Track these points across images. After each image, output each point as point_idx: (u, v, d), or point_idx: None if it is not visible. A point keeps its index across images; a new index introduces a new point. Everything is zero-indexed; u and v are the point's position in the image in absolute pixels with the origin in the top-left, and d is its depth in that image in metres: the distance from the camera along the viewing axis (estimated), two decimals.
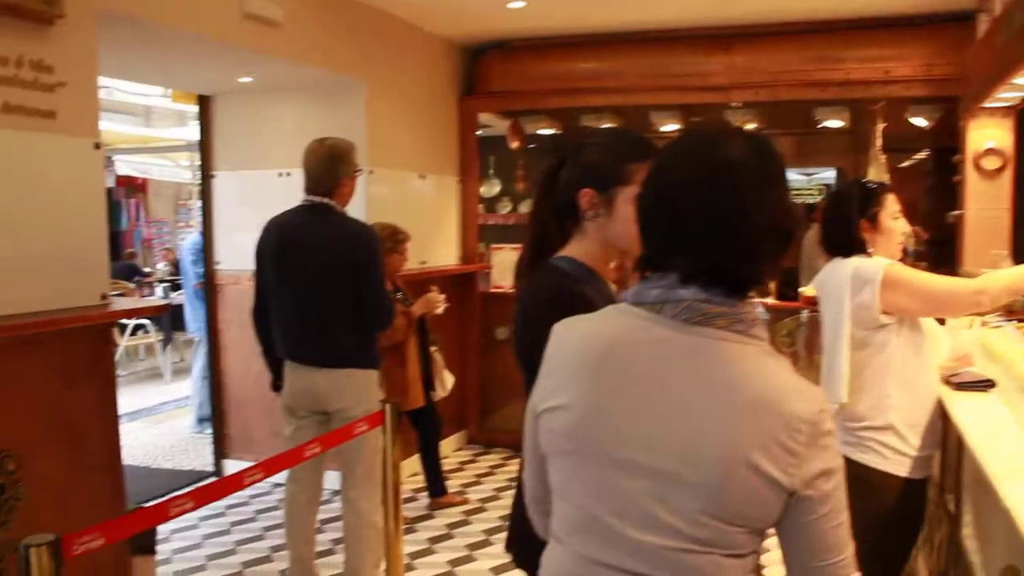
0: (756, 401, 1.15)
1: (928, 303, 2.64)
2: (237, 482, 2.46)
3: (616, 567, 1.21)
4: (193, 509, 2.30)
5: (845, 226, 2.77)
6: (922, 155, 7.01)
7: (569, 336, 1.35)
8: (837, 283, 2.73)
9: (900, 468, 2.63)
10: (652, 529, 1.18)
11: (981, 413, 2.52)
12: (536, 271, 1.84)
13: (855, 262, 2.70)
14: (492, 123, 6.78)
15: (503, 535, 4.52)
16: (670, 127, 6.18)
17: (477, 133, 6.41)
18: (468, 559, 4.23)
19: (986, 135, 4.58)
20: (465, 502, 5.02)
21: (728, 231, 1.19)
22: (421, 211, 5.66)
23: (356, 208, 3.73)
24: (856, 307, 2.67)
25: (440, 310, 4.70)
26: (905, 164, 7.06)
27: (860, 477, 2.66)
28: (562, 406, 1.28)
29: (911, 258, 5.87)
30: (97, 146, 3.24)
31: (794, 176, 8.62)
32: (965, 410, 2.53)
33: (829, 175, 8.85)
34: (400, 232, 4.55)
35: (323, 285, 3.42)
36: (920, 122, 5.48)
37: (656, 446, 1.19)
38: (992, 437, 2.28)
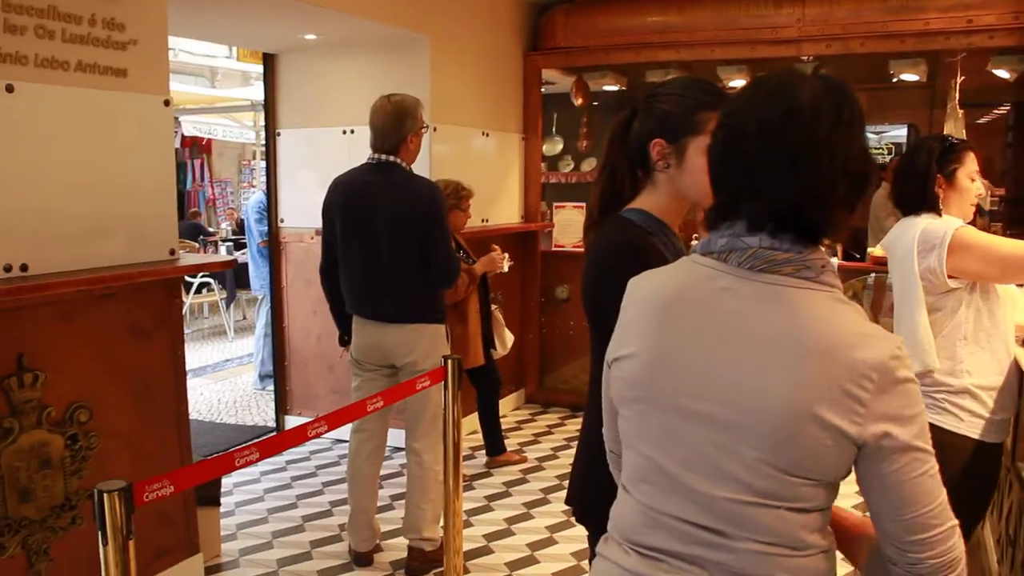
0: (820, 348, 1.13)
1: (999, 268, 2.54)
2: (302, 434, 2.48)
3: (681, 518, 1.21)
4: (258, 460, 2.32)
5: (920, 180, 2.69)
6: (1003, 110, 6.73)
7: (641, 288, 1.35)
8: (906, 245, 2.65)
9: (974, 430, 2.56)
10: (715, 480, 1.18)
11: None
12: (606, 223, 1.82)
13: (923, 223, 2.62)
14: (556, 80, 6.70)
15: (561, 493, 4.56)
16: (737, 82, 6.02)
17: (541, 90, 6.33)
18: (526, 516, 4.24)
19: None
20: (524, 460, 5.03)
21: (799, 173, 1.16)
22: (484, 169, 5.63)
23: (420, 165, 3.72)
24: (924, 271, 2.60)
25: (505, 268, 4.68)
26: (984, 120, 6.80)
27: (934, 439, 2.61)
28: (629, 355, 1.30)
29: (985, 217, 5.70)
30: (167, 103, 3.28)
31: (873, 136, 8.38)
32: None
33: (900, 133, 8.59)
34: (463, 189, 4.53)
35: (389, 242, 3.42)
36: (1003, 74, 5.24)
37: (718, 395, 1.18)
38: None
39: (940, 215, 2.66)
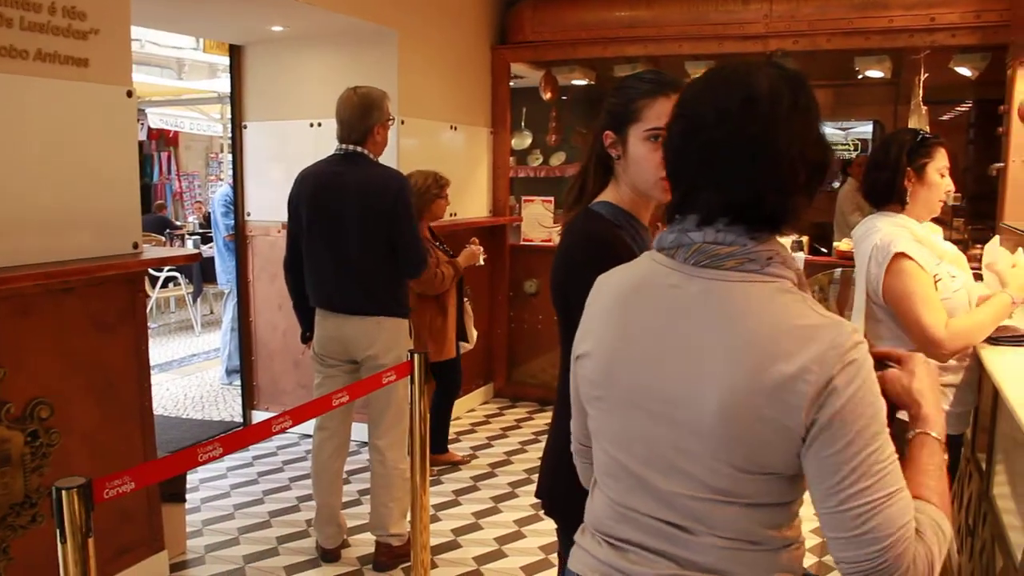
0: (759, 341, 1.12)
1: (902, 317, 2.56)
2: (265, 429, 2.46)
3: (646, 514, 1.23)
4: (221, 456, 2.29)
5: (890, 173, 2.71)
6: (964, 107, 6.82)
7: (603, 285, 1.36)
8: (865, 251, 2.69)
9: None
10: (674, 478, 1.19)
11: (1017, 368, 2.47)
12: (575, 217, 1.86)
13: (884, 231, 2.64)
14: (525, 74, 6.68)
15: (529, 488, 4.54)
16: None
17: (509, 84, 6.32)
18: (493, 511, 4.24)
19: None
20: (466, 462, 4.96)
21: (758, 161, 1.16)
22: (452, 162, 5.61)
23: (387, 158, 3.71)
24: (867, 279, 2.67)
25: (481, 262, 4.71)
26: (946, 117, 6.88)
27: (893, 432, 2.66)
28: (588, 353, 1.31)
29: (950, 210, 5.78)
30: (129, 94, 3.23)
31: (829, 130, 8.43)
32: (1001, 365, 2.47)
33: (865, 129, 8.67)
34: (443, 177, 4.57)
35: (356, 233, 3.41)
36: (965, 72, 5.30)
37: (668, 394, 1.18)
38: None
39: (903, 209, 2.70)
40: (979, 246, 4.80)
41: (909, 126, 5.30)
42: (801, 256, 5.31)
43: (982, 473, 2.78)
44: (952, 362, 2.62)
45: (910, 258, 2.54)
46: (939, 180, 2.70)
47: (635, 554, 1.24)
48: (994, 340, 2.67)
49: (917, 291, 2.53)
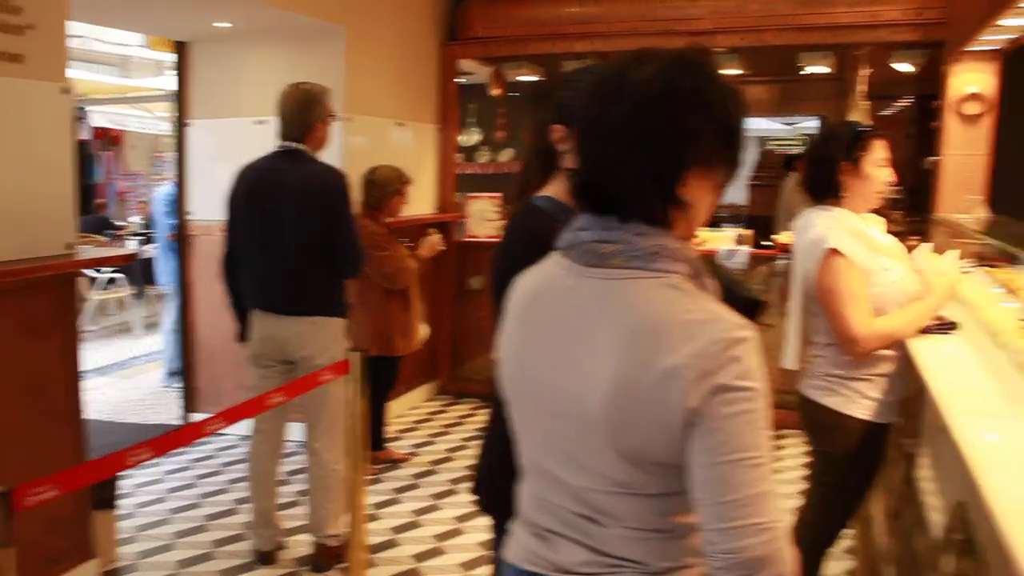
0: (640, 335, 1.12)
1: (827, 311, 2.60)
2: (197, 431, 2.42)
3: (561, 507, 1.25)
4: (151, 459, 2.24)
5: (826, 167, 2.72)
6: (906, 102, 6.94)
7: (517, 286, 1.36)
8: (804, 244, 2.70)
9: (867, 412, 2.64)
10: (580, 473, 1.21)
11: (943, 356, 2.51)
12: (516, 211, 1.86)
13: (820, 226, 2.65)
14: (474, 70, 6.66)
15: (470, 484, 4.53)
16: None
17: (458, 81, 6.29)
18: (433, 508, 4.22)
19: (969, 80, 4.52)
20: (406, 459, 4.91)
21: (635, 151, 1.14)
22: (398, 159, 5.52)
23: (332, 156, 3.66)
24: (804, 274, 2.68)
25: (443, 247, 4.82)
26: (888, 111, 7.00)
27: (826, 421, 2.70)
28: (500, 356, 1.34)
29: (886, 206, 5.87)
30: (65, 91, 3.15)
31: (776, 125, 8.58)
32: (927, 353, 2.51)
33: (812, 124, 8.80)
34: (407, 175, 4.62)
35: (292, 231, 3.35)
36: (905, 68, 5.39)
37: (566, 393, 1.20)
38: (951, 379, 2.28)
39: (841, 202, 2.71)
40: (916, 238, 4.89)
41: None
42: (745, 249, 5.35)
43: (908, 459, 2.83)
44: (887, 352, 2.65)
45: (843, 255, 2.56)
46: (875, 172, 2.70)
47: (556, 542, 1.26)
48: (923, 329, 2.70)
49: (844, 288, 2.55)
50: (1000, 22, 3.51)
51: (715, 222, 6.96)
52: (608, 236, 1.18)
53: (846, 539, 3.75)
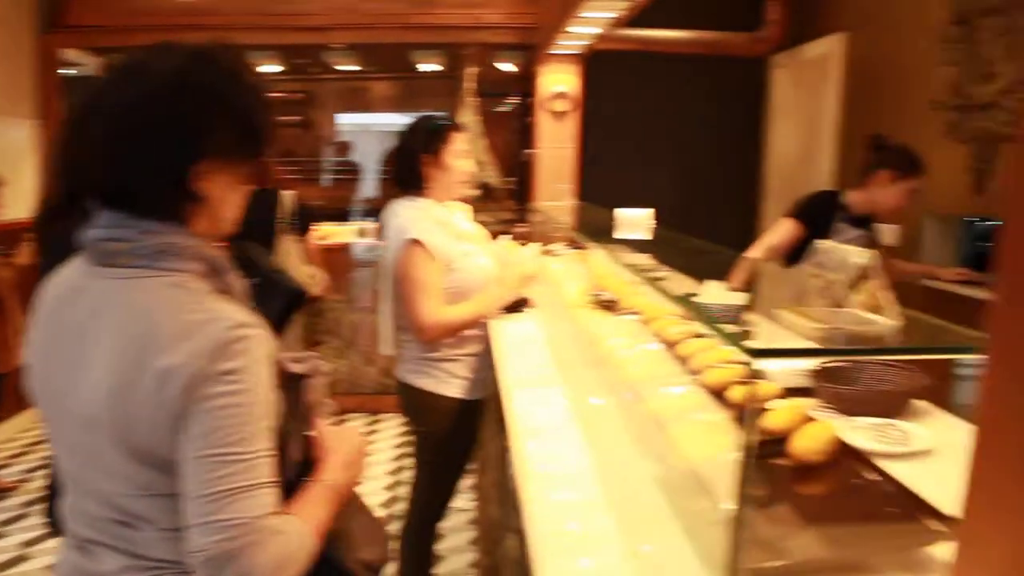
0: (141, 335, 1.12)
1: (404, 297, 2.73)
2: None
3: (96, 515, 1.22)
4: None
5: (408, 160, 2.82)
6: (513, 100, 7.47)
7: (44, 290, 1.29)
8: (388, 234, 2.79)
9: (458, 391, 2.81)
10: (105, 478, 1.19)
11: (514, 331, 2.76)
12: None
13: (403, 216, 2.76)
14: (85, 61, 6.14)
15: (43, 506, 4.18)
16: (271, 68, 6.01)
17: (65, 72, 5.78)
18: (47, 537, 3.89)
19: (556, 80, 4.97)
20: (14, 488, 4.49)
21: (123, 142, 1.14)
22: None
23: None
24: (391, 261, 2.78)
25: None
26: (501, 109, 7.49)
27: (421, 403, 2.84)
28: (27, 364, 1.27)
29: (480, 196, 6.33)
30: None
31: (408, 120, 8.80)
32: (501, 332, 2.78)
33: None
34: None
35: None
36: (507, 67, 5.81)
37: (83, 398, 1.17)
38: (518, 352, 2.53)
39: (423, 194, 2.84)
40: (522, 225, 5.32)
41: (460, 118, 5.70)
42: (368, 241, 5.48)
43: (502, 429, 3.08)
44: (473, 333, 2.84)
45: (422, 245, 2.69)
46: (456, 164, 2.83)
47: (96, 552, 1.23)
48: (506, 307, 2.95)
49: (419, 277, 2.68)
50: (571, 29, 3.89)
51: (344, 215, 7.06)
52: (118, 234, 1.16)
53: (470, 511, 4.01)
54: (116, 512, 1.20)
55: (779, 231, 3.24)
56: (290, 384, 1.30)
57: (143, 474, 1.16)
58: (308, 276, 4.53)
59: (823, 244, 1.44)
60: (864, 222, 3.26)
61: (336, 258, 5.45)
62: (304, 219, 4.56)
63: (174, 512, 1.16)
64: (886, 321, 1.24)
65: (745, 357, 1.05)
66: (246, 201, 1.29)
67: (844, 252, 1.38)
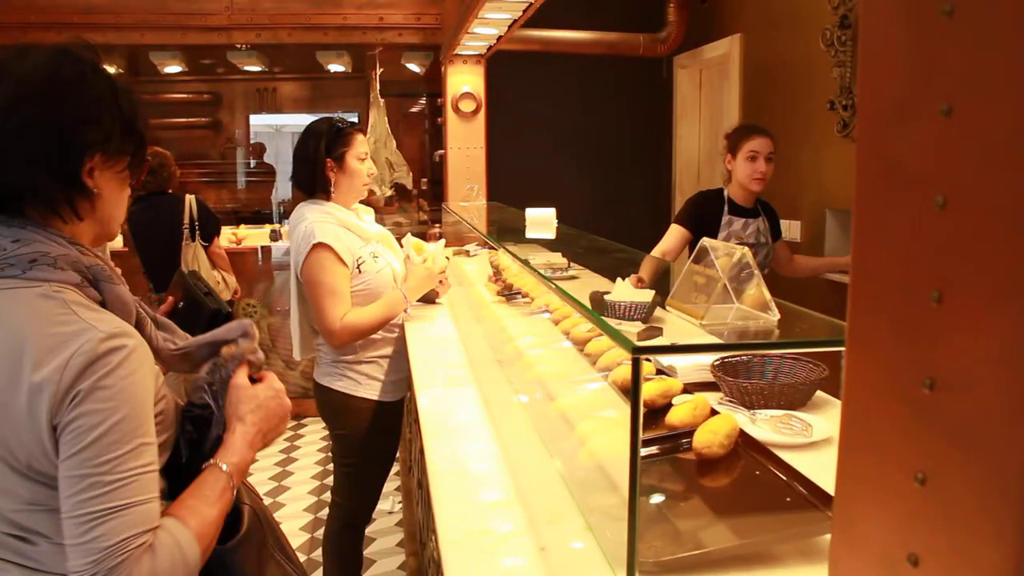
0: (12, 348, 1.10)
1: (311, 302, 2.73)
2: None
3: None
4: None
5: (311, 164, 2.79)
6: (423, 101, 7.47)
7: None
8: (296, 237, 2.76)
9: (375, 393, 2.81)
10: None
11: (427, 331, 2.78)
12: None
13: (309, 220, 2.73)
14: None
15: None
16: (173, 68, 5.87)
17: None
18: None
19: (462, 80, 4.98)
20: None
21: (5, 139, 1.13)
22: None
23: None
24: (295, 265, 2.77)
25: None
26: (414, 109, 7.48)
27: (339, 405, 2.83)
28: None
29: (401, 196, 6.33)
30: None
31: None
32: (414, 330, 2.81)
33: (353, 120, 9.08)
34: None
35: None
36: (415, 68, 5.80)
37: None
38: (430, 352, 2.54)
39: (329, 198, 2.82)
40: (437, 225, 5.32)
41: (370, 118, 5.67)
42: (283, 243, 5.43)
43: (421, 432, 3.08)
44: (381, 335, 2.83)
45: (330, 249, 2.68)
46: (359, 166, 2.82)
47: None
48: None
49: (326, 282, 2.67)
50: (473, 30, 3.91)
51: (258, 218, 6.95)
52: None
53: (397, 514, 4.00)
54: (10, 527, 1.17)
55: (669, 238, 3.31)
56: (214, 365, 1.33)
57: (26, 490, 1.13)
58: (215, 281, 4.46)
59: (707, 242, 1.48)
60: (751, 212, 3.34)
61: (250, 261, 5.37)
62: (207, 223, 4.48)
63: (59, 527, 1.14)
64: (767, 316, 1.29)
65: (627, 353, 1.08)
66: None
67: (726, 249, 1.42)
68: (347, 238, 2.76)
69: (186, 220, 4.38)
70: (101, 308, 1.18)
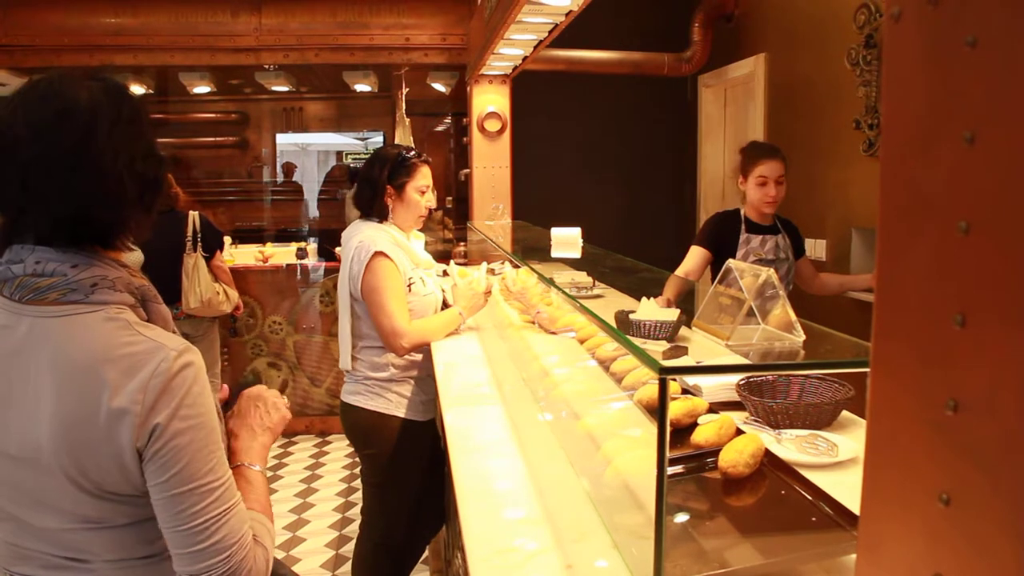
0: (82, 373, 1.12)
1: (374, 307, 2.77)
2: None
3: (39, 551, 1.21)
4: None
5: (372, 189, 2.88)
6: (447, 120, 7.52)
7: None
8: (349, 250, 2.83)
9: (402, 411, 2.84)
10: (45, 514, 1.18)
11: (454, 351, 2.80)
12: None
13: (364, 234, 2.80)
14: (7, 81, 6.01)
15: None
16: (202, 88, 5.96)
17: None
18: None
19: (488, 100, 5.02)
20: None
21: (75, 175, 1.14)
22: None
23: None
24: (350, 277, 2.80)
25: None
26: (439, 128, 7.54)
27: (367, 424, 2.85)
28: None
29: (439, 211, 6.38)
30: None
31: (348, 140, 8.85)
32: (438, 348, 2.83)
33: (379, 139, 9.18)
34: None
35: None
36: (440, 88, 5.85)
37: (16, 438, 1.15)
38: (454, 371, 2.56)
39: (383, 221, 2.89)
40: (463, 244, 5.34)
41: (396, 138, 5.73)
42: (311, 261, 5.49)
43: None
44: (411, 358, 2.86)
45: (388, 257, 2.75)
46: (418, 198, 2.90)
47: None
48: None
49: (390, 286, 2.74)
50: (499, 50, 3.94)
51: (284, 236, 7.01)
52: (42, 269, 1.15)
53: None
54: (60, 548, 1.20)
55: (689, 260, 3.32)
56: None
57: (91, 508, 1.16)
58: (216, 294, 4.56)
59: (733, 263, 1.49)
60: (770, 229, 3.33)
61: (277, 279, 5.42)
62: (209, 237, 4.61)
63: (125, 541, 1.19)
64: (792, 337, 1.29)
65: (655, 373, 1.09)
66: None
67: (751, 270, 1.43)
68: (400, 256, 2.83)
69: (189, 234, 4.52)
70: (154, 326, 1.21)
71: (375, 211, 2.91)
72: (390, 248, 2.79)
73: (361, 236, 2.81)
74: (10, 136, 1.15)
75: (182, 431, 1.13)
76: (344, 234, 2.97)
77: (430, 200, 2.96)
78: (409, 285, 2.85)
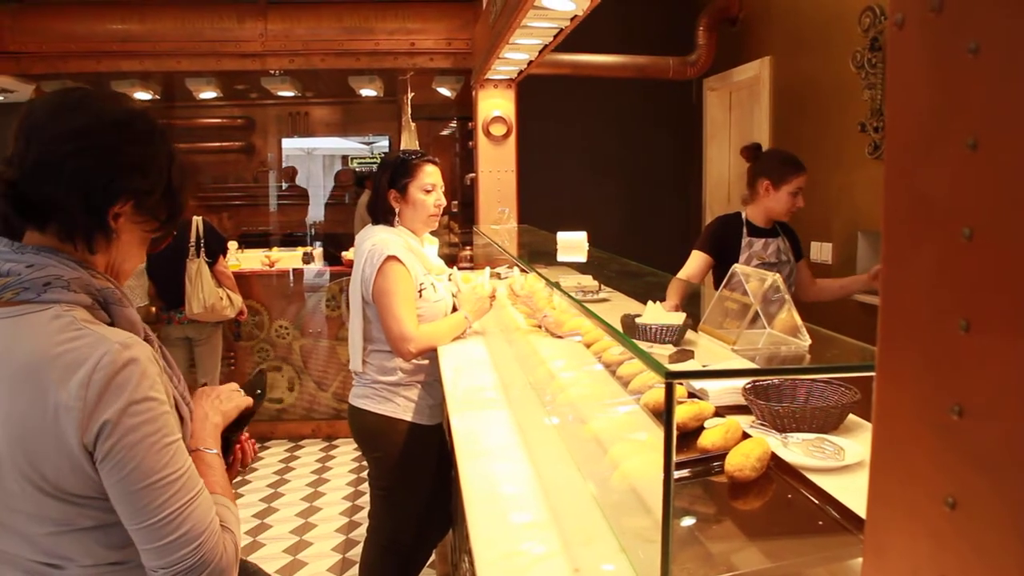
0: (30, 371, 1.12)
1: (382, 310, 2.78)
2: None
3: (21, 556, 1.20)
4: None
5: (376, 193, 2.93)
6: (453, 124, 7.54)
7: None
8: (361, 254, 2.86)
9: (409, 415, 2.84)
10: (17, 519, 1.18)
11: (461, 354, 2.81)
12: None
13: (378, 237, 2.82)
14: (14, 88, 6.04)
15: None
16: (208, 94, 5.98)
17: None
18: None
19: (493, 104, 5.02)
20: None
21: (80, 181, 1.18)
22: None
23: None
24: (362, 280, 2.81)
25: None
26: (445, 132, 7.56)
27: (375, 428, 2.86)
28: None
29: (445, 216, 6.39)
30: None
31: (354, 144, 8.89)
32: (444, 352, 2.83)
33: (385, 144, 9.22)
34: None
35: None
36: (445, 92, 5.86)
37: None
38: (460, 374, 2.57)
39: (394, 225, 2.90)
40: (469, 248, 5.35)
41: (402, 142, 5.74)
42: (315, 267, 5.50)
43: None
44: (419, 362, 2.86)
45: (400, 262, 2.76)
46: (423, 198, 2.89)
47: None
48: None
49: (400, 290, 2.75)
50: (504, 55, 3.95)
51: (290, 240, 7.03)
52: (2, 268, 1.16)
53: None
54: (38, 552, 1.19)
55: (691, 265, 3.31)
56: None
57: (54, 510, 1.16)
58: (219, 299, 4.58)
59: (739, 268, 1.49)
60: (771, 232, 3.32)
61: (283, 284, 5.44)
62: (212, 242, 4.63)
63: (94, 546, 1.19)
64: (798, 341, 1.29)
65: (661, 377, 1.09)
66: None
67: (757, 275, 1.43)
68: (413, 261, 2.84)
69: (192, 239, 4.55)
70: (100, 323, 1.20)
71: (380, 216, 2.92)
72: (403, 253, 2.80)
73: (375, 240, 2.83)
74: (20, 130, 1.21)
75: (134, 427, 1.12)
76: (358, 237, 3.00)
77: (438, 199, 2.94)
78: (420, 291, 2.86)
